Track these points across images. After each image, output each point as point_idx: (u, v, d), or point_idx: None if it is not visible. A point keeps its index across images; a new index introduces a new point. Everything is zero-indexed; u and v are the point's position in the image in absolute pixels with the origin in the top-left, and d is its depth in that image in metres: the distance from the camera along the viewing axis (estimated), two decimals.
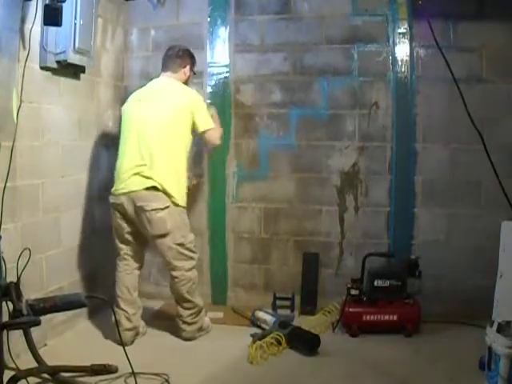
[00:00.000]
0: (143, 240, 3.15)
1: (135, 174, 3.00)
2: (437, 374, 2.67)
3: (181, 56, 3.29)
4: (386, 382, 2.65)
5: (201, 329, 3.19)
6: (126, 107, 3.22)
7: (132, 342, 3.06)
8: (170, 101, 3.13)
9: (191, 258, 3.12)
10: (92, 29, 3.16)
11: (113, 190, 3.10)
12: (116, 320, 2.63)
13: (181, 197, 3.07)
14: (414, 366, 2.80)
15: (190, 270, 3.10)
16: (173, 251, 3.04)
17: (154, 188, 2.97)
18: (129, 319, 3.07)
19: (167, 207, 2.99)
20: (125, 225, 3.09)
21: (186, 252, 3.08)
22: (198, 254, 3.21)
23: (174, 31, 3.85)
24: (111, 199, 3.10)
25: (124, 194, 3.01)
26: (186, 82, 3.30)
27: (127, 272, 3.16)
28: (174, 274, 3.07)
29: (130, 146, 3.08)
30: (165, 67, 3.29)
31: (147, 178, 2.98)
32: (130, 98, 3.25)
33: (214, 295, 3.87)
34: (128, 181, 3.01)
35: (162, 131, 3.05)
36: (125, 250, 3.15)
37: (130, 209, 3.01)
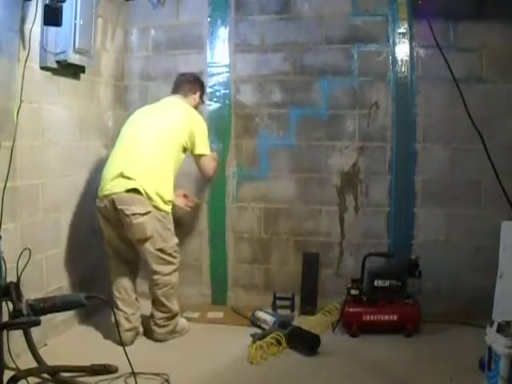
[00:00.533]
0: (131, 243, 3.09)
1: (118, 175, 2.98)
2: (437, 374, 2.67)
3: (192, 82, 3.39)
4: (386, 382, 2.65)
5: (173, 331, 3.15)
6: (129, 118, 3.28)
7: (132, 342, 3.05)
8: (172, 115, 3.20)
9: (171, 263, 3.09)
10: (92, 29, 3.16)
11: (98, 192, 3.07)
12: (116, 320, 2.62)
13: (164, 201, 3.03)
14: (414, 366, 2.80)
15: (168, 274, 3.07)
16: (153, 255, 3.03)
17: (136, 191, 2.94)
18: (128, 320, 3.06)
19: (148, 213, 2.95)
20: (110, 228, 3.07)
21: (166, 257, 3.06)
22: (180, 259, 3.16)
23: (174, 31, 3.85)
24: (97, 202, 3.08)
25: (107, 196, 2.98)
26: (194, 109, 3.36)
27: (122, 274, 3.14)
28: (152, 276, 3.07)
29: (120, 149, 3.11)
30: (176, 90, 3.37)
31: (129, 179, 2.95)
32: (137, 111, 3.31)
33: (214, 295, 3.87)
34: (111, 183, 2.99)
35: (156, 138, 3.08)
36: (115, 253, 3.14)
37: (112, 211, 2.98)
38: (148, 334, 3.16)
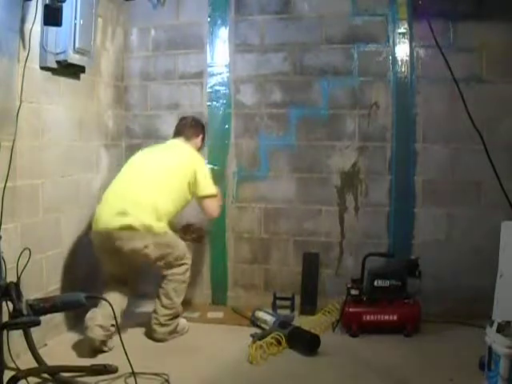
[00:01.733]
0: (132, 266, 3.11)
1: (114, 211, 2.99)
2: (437, 374, 2.67)
3: (194, 126, 3.44)
4: (386, 381, 2.65)
5: (173, 331, 3.16)
6: (132, 157, 3.34)
7: (100, 343, 2.87)
8: (175, 155, 3.26)
9: (183, 264, 3.14)
10: (92, 29, 3.16)
11: (93, 225, 3.07)
12: (115, 318, 2.58)
13: (159, 223, 3.02)
14: (414, 366, 2.80)
15: (181, 274, 3.13)
16: (162, 267, 3.08)
17: (131, 227, 2.93)
18: (105, 317, 2.93)
19: (147, 246, 2.96)
20: (107, 257, 3.06)
21: (177, 263, 3.11)
22: (191, 256, 3.22)
23: (174, 31, 3.86)
24: (91, 234, 3.08)
25: (103, 230, 2.99)
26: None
27: (116, 292, 3.09)
28: (165, 274, 3.11)
29: (118, 184, 3.15)
30: (178, 134, 3.42)
31: (125, 214, 2.95)
32: (140, 151, 3.38)
33: (214, 295, 3.87)
34: (107, 218, 2.99)
35: (156, 176, 3.12)
36: (113, 278, 3.11)
37: (109, 245, 2.96)
38: (148, 333, 3.16)
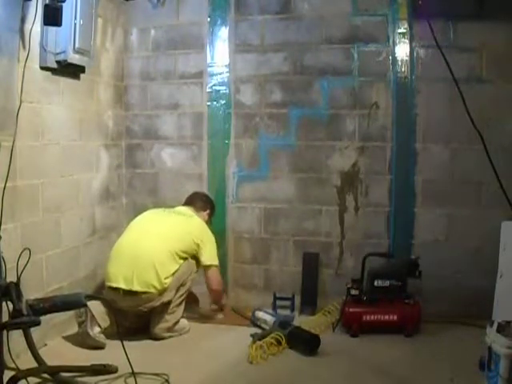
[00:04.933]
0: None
1: (125, 275, 3.05)
2: (437, 374, 2.67)
3: (205, 201, 3.57)
4: (386, 382, 2.65)
5: (171, 329, 3.17)
6: (144, 213, 3.45)
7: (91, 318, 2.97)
8: (182, 220, 3.34)
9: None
10: (92, 29, 3.16)
11: (106, 280, 3.15)
12: (116, 319, 2.60)
13: (167, 280, 3.09)
14: (414, 366, 2.80)
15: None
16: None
17: (146, 292, 3.02)
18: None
19: (162, 302, 3.08)
20: (121, 315, 3.06)
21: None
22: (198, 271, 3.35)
23: (174, 31, 3.86)
24: (106, 290, 3.15)
25: (117, 288, 3.05)
26: None
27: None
28: None
29: (128, 244, 3.20)
30: (188, 203, 3.54)
31: (134, 281, 3.02)
32: (150, 210, 3.50)
33: None
34: (119, 278, 3.06)
35: (162, 237, 3.17)
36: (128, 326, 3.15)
37: (123, 300, 3.03)
38: (147, 331, 3.16)
